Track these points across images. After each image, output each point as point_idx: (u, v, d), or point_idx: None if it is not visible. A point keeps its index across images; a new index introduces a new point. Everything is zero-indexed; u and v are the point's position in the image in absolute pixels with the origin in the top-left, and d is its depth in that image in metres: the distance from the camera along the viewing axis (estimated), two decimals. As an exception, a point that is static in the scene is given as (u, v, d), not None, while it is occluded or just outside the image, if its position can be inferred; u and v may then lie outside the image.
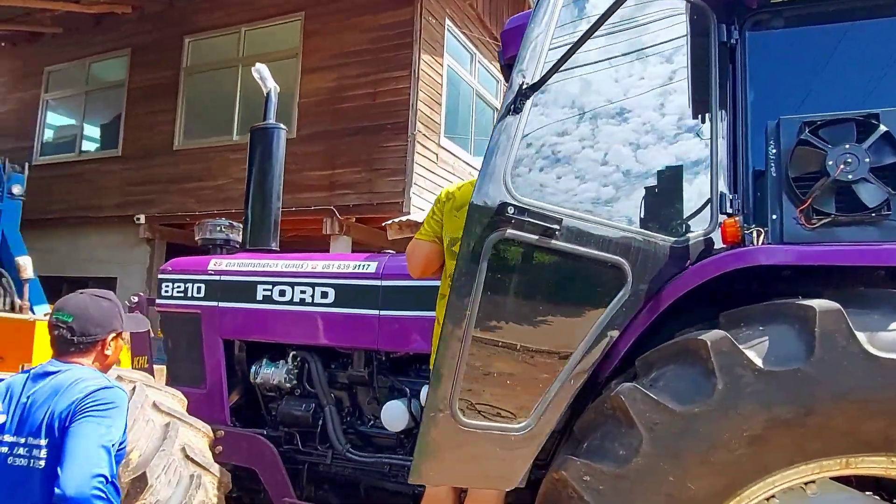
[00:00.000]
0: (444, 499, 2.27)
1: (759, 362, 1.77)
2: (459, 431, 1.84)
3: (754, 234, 2.03)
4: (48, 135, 10.66)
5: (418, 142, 7.98)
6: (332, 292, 3.24)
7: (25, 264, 5.52)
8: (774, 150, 2.02)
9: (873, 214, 1.87)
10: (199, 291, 3.56)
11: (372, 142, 8.00)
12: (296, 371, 3.32)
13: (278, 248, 3.81)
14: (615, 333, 2.01)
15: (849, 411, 1.71)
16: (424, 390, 2.91)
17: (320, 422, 3.21)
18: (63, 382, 1.94)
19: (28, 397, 1.94)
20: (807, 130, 1.96)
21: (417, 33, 7.98)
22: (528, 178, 1.94)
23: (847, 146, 1.89)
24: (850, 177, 1.87)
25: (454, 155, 9.06)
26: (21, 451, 1.87)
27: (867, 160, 1.87)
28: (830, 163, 1.89)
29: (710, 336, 1.83)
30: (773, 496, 1.94)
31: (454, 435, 1.84)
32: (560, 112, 2.04)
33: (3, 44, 11.12)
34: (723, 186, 2.27)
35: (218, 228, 3.83)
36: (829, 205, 1.91)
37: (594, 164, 2.06)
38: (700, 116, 2.24)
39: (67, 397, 1.89)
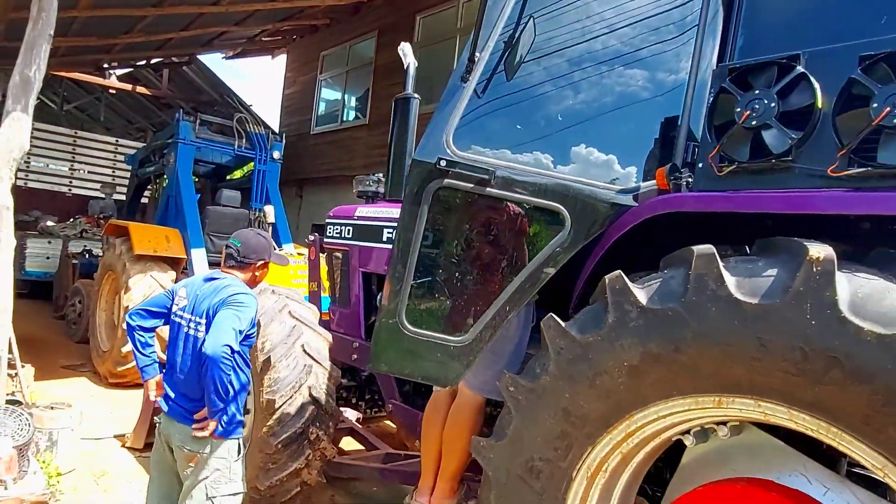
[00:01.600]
0: (445, 402, 2.81)
1: (642, 300, 1.95)
2: (405, 336, 2.39)
3: (685, 183, 2.12)
4: (322, 109, 13.05)
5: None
6: (431, 236, 3.90)
7: (269, 211, 7.30)
8: (711, 99, 2.07)
9: (774, 161, 1.85)
10: (347, 233, 4.52)
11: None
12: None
13: (409, 199, 4.57)
14: (551, 271, 2.30)
15: (713, 353, 1.81)
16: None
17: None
18: (220, 286, 2.87)
19: (201, 291, 2.91)
20: (727, 77, 1.98)
21: None
22: (471, 133, 2.34)
23: (757, 91, 1.89)
24: (754, 123, 1.87)
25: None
26: (192, 325, 2.85)
27: (774, 105, 1.84)
28: (738, 109, 1.91)
29: (610, 276, 2.06)
30: (687, 433, 2.10)
31: (401, 338, 2.39)
32: (504, 78, 2.36)
33: (295, 37, 13.81)
34: (682, 137, 2.31)
35: (368, 182, 4.73)
36: (737, 152, 1.93)
37: (536, 117, 2.35)
38: (659, 65, 2.32)
39: (220, 295, 2.82)
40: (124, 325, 6.19)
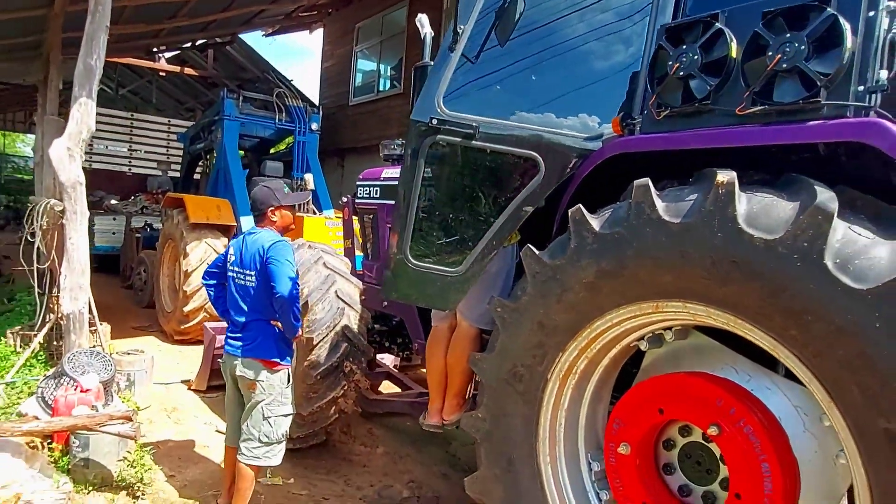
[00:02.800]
0: (444, 335, 3.28)
1: (596, 227, 2.35)
2: (410, 269, 2.86)
3: (637, 129, 2.48)
4: (358, 80, 13.50)
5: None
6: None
7: (308, 179, 7.85)
8: (651, 54, 2.42)
9: (697, 105, 2.20)
10: (376, 193, 4.99)
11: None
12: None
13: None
14: (529, 209, 2.71)
15: (649, 266, 2.20)
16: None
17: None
18: (258, 239, 3.38)
19: (243, 247, 3.46)
20: (664, 35, 2.32)
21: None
22: (458, 95, 2.75)
23: (685, 46, 2.23)
24: (682, 73, 2.22)
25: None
26: (241, 276, 3.38)
27: (697, 57, 2.18)
28: (670, 62, 2.25)
29: (572, 209, 2.45)
30: (642, 339, 2.51)
31: (407, 270, 2.87)
32: (485, 45, 2.75)
33: (330, 11, 14.22)
34: (641, 88, 2.65)
35: (393, 146, 5.17)
36: (671, 98, 2.28)
37: (512, 78, 2.74)
38: (622, 26, 2.66)
39: (256, 247, 3.34)
40: (187, 288, 6.86)
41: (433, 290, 2.86)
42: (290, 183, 8.33)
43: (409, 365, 6.24)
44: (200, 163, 11.11)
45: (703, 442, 2.27)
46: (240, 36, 13.51)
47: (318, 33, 14.96)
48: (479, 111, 2.76)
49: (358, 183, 5.26)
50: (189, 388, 5.62)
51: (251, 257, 3.32)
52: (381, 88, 12.87)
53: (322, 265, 4.27)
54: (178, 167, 12.05)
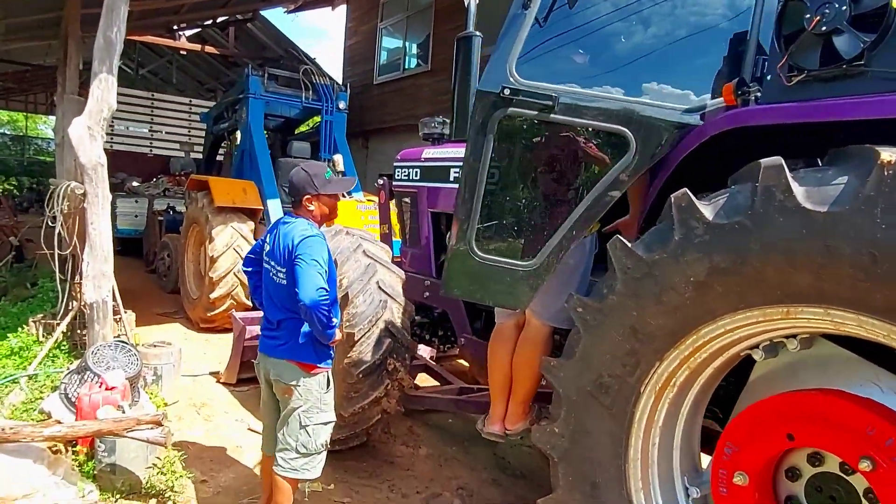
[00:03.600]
0: (510, 333, 2.92)
1: (709, 215, 1.97)
2: (475, 262, 2.50)
3: (753, 98, 2.09)
4: (383, 58, 13.06)
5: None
6: (496, 173, 3.96)
7: (338, 160, 7.48)
8: (780, 7, 2.01)
9: (846, 67, 1.79)
10: (416, 175, 4.64)
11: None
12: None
13: (473, 139, 4.62)
14: (616, 194, 2.34)
15: (780, 263, 1.83)
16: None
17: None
18: (290, 231, 2.98)
19: (278, 236, 3.05)
20: (798, -16, 1.91)
21: None
22: (533, 62, 2.37)
23: (830, -4, 1.82)
24: (824, 28, 1.81)
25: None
26: (274, 271, 3.00)
27: (845, 8, 1.78)
28: (808, 16, 1.85)
29: (675, 194, 2.08)
30: (755, 348, 2.14)
31: (471, 264, 2.50)
32: (565, 3, 2.35)
33: (353, -15, 13.76)
34: (752, 51, 2.25)
35: (433, 124, 4.80)
36: (807, 60, 1.88)
37: (596, 43, 2.34)
38: None
39: (288, 240, 2.93)
40: (213, 274, 6.57)
41: (502, 285, 2.50)
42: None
43: (446, 355, 5.93)
44: (224, 144, 10.81)
45: (840, 474, 1.90)
46: (261, 13, 13.14)
47: (341, 10, 14.52)
48: (557, 80, 2.38)
49: (396, 164, 4.91)
50: (218, 381, 5.35)
51: (282, 251, 2.95)
52: (407, 66, 12.43)
53: (362, 253, 3.93)
54: (201, 148, 11.78)
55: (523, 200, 2.44)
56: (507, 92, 2.32)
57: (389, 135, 12.31)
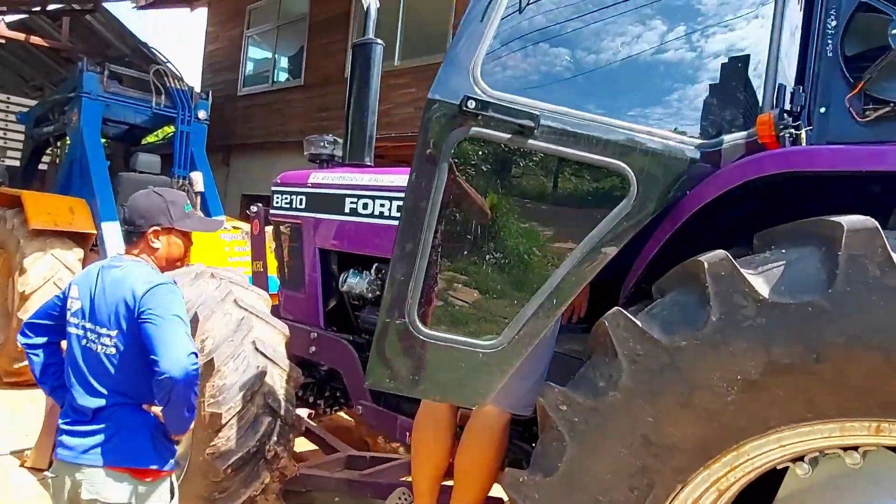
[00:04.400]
0: (445, 415, 2.23)
1: (763, 291, 1.43)
2: (418, 342, 1.77)
3: (803, 134, 1.59)
4: (249, 68, 11.92)
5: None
6: (406, 206, 3.27)
7: (197, 179, 6.38)
8: (834, 23, 1.54)
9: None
10: (300, 203, 3.81)
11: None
12: (378, 282, 3.44)
13: (372, 163, 3.90)
14: (611, 250, 1.75)
15: (874, 360, 1.33)
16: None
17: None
18: (124, 278, 2.09)
19: (98, 287, 2.11)
20: (879, -11, 1.45)
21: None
22: (505, 67, 1.73)
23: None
24: (924, 49, 1.36)
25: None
26: (92, 336, 2.08)
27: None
28: (893, 32, 1.39)
29: (710, 257, 1.52)
30: (800, 460, 1.61)
31: (413, 346, 1.77)
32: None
33: (216, -13, 12.51)
34: (781, 77, 1.80)
35: (322, 144, 4.02)
36: (891, 90, 1.42)
37: (591, 50, 1.76)
38: None
39: (129, 292, 2.05)
40: (22, 315, 5.18)
41: (454, 375, 1.79)
42: (172, 182, 6.76)
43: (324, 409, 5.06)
44: (48, 151, 9.05)
45: None
46: (105, 6, 11.47)
47: (201, 11, 13.16)
48: (534, 94, 1.75)
49: (275, 188, 4.05)
50: (23, 465, 4.05)
51: (112, 307, 2.06)
52: (276, 79, 11.42)
53: (233, 304, 3.04)
54: (18, 155, 9.84)
55: (487, 254, 1.76)
56: (471, 105, 1.65)
57: (255, 152, 11.18)
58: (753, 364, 1.44)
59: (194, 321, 2.85)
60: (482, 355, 1.77)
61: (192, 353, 1.98)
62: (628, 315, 1.61)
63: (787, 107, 1.75)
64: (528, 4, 1.72)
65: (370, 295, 3.41)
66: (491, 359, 1.77)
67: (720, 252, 1.52)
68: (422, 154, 1.70)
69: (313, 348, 3.62)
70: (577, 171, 1.74)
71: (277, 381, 2.98)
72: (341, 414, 5.22)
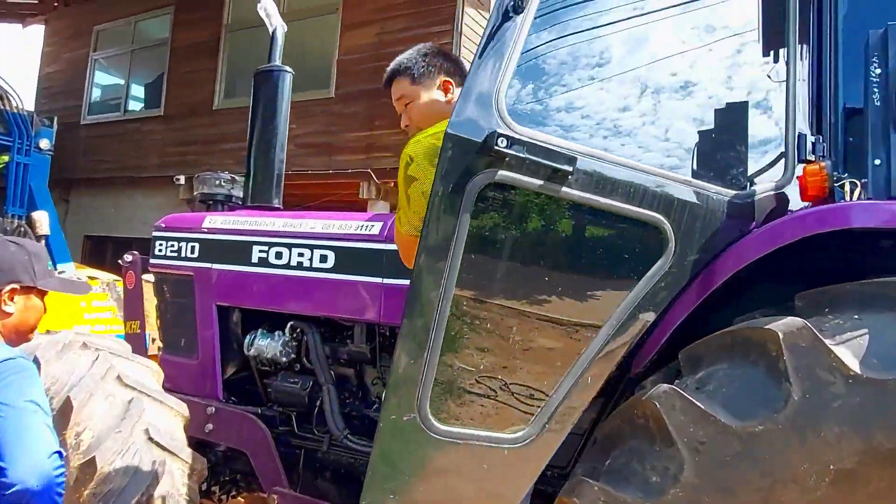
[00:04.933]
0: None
1: (853, 365, 1.24)
2: (431, 442, 1.38)
3: (848, 187, 1.45)
4: (96, 94, 10.66)
5: (461, 101, 7.44)
6: (331, 256, 2.84)
7: (40, 219, 5.36)
8: (879, 70, 1.44)
9: None
10: (192, 251, 3.22)
11: (413, 101, 7.52)
12: (293, 344, 2.95)
13: (281, 206, 3.43)
14: (650, 317, 1.50)
15: None
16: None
17: (318, 402, 2.85)
18: None
19: None
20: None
21: (463, -16, 7.39)
22: (528, 101, 1.44)
23: None
24: None
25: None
26: None
27: None
28: None
29: (783, 325, 1.31)
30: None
31: (424, 446, 1.38)
32: (577, 13, 1.50)
33: (56, 4, 11.15)
34: (801, 125, 1.70)
35: (218, 182, 3.47)
36: None
37: (624, 86, 1.53)
38: (769, 30, 1.67)
39: None
40: None
41: (476, 478, 1.41)
42: (4, 223, 5.61)
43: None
44: None
45: None
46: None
47: (36, 29, 11.63)
48: (561, 134, 1.48)
49: (157, 234, 3.41)
50: None
51: None
52: (129, 108, 10.27)
53: (116, 381, 2.41)
54: None
55: (513, 328, 1.42)
56: (501, 143, 1.33)
57: (101, 187, 9.91)
58: (849, 451, 1.24)
59: (66, 408, 2.20)
60: (508, 451, 1.41)
61: (56, 452, 1.52)
62: (686, 393, 1.35)
63: (810, 157, 1.64)
64: (552, 32, 1.45)
65: (284, 359, 2.92)
66: (519, 455, 1.42)
67: (795, 319, 1.32)
68: (438, 204, 1.34)
69: (210, 426, 3.02)
70: (609, 226, 1.48)
71: (178, 477, 2.38)
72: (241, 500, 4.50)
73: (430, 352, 1.36)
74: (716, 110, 1.65)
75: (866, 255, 1.52)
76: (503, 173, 1.35)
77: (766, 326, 1.34)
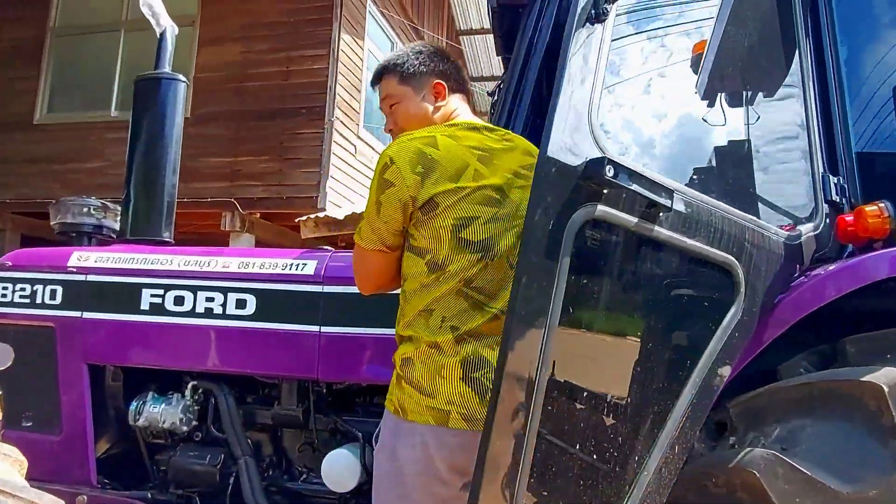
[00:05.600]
0: None
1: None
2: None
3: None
4: None
5: (336, 130, 7.09)
6: (251, 300, 2.37)
7: None
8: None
9: None
10: (53, 296, 2.56)
11: (283, 127, 7.02)
12: (196, 409, 2.42)
13: (172, 240, 2.86)
14: (726, 371, 1.32)
15: None
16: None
17: (231, 479, 2.33)
18: None
19: None
20: None
21: (338, 8, 7.11)
22: (615, 125, 1.22)
23: None
24: None
25: (373, 149, 8.23)
26: None
27: None
28: None
29: (885, 377, 1.20)
30: None
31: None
32: (649, 34, 1.33)
33: None
34: (819, 166, 1.67)
35: (85, 210, 2.81)
36: None
37: (694, 118, 1.38)
38: (785, 76, 1.64)
39: None
40: None
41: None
42: None
43: None
44: None
45: None
46: None
47: None
48: (645, 163, 1.28)
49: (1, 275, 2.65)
50: None
51: None
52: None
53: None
54: None
55: (610, 394, 1.16)
56: (609, 172, 1.08)
57: None
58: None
59: None
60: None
61: None
62: (787, 459, 1.19)
63: (835, 198, 1.61)
64: (630, 51, 1.26)
65: (185, 428, 2.39)
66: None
67: (891, 370, 1.22)
68: (536, 243, 1.05)
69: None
70: (691, 270, 1.29)
71: None
72: None
73: (530, 427, 1.06)
74: (767, 149, 1.56)
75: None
76: (603, 207, 1.11)
77: (863, 379, 1.23)
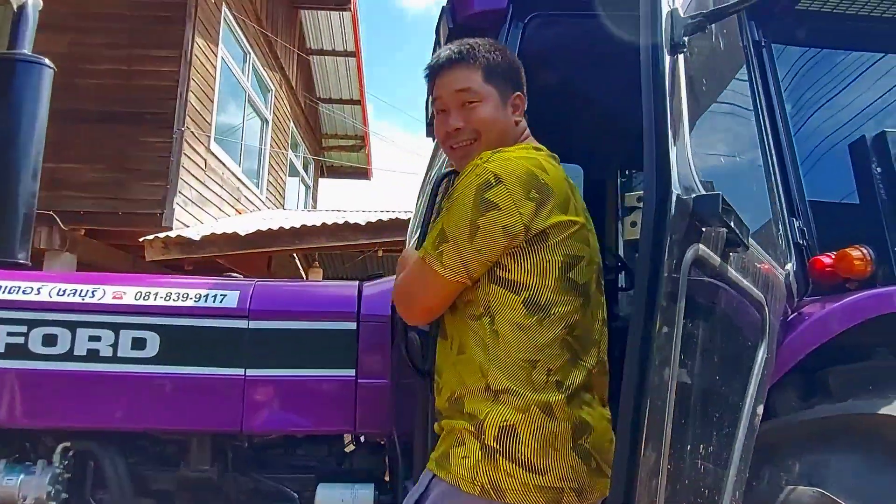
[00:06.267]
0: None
1: None
2: None
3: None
4: None
5: (186, 141, 6.41)
6: (153, 339, 1.96)
7: None
8: (880, 169, 1.59)
9: None
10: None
11: (123, 133, 6.19)
12: (68, 476, 1.92)
13: (29, 263, 2.30)
14: (761, 410, 1.31)
15: None
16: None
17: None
18: None
19: None
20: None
21: (192, 8, 6.49)
22: (702, 159, 1.16)
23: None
24: None
25: (224, 164, 7.58)
26: None
27: None
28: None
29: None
30: None
31: None
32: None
33: None
34: (781, 210, 1.78)
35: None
36: None
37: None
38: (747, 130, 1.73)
39: None
40: None
41: None
42: None
43: None
44: None
45: None
46: None
47: None
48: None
49: None
50: None
51: None
52: None
53: None
54: None
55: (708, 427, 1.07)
56: (718, 209, 0.99)
57: None
58: None
59: None
60: None
61: None
62: (833, 497, 1.21)
63: (799, 240, 1.71)
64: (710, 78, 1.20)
65: (54, 502, 1.88)
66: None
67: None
68: (660, 282, 0.92)
69: None
70: (741, 308, 1.26)
71: None
72: None
73: (661, 472, 0.92)
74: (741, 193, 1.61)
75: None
76: (702, 246, 1.02)
77: (880, 412, 1.28)
